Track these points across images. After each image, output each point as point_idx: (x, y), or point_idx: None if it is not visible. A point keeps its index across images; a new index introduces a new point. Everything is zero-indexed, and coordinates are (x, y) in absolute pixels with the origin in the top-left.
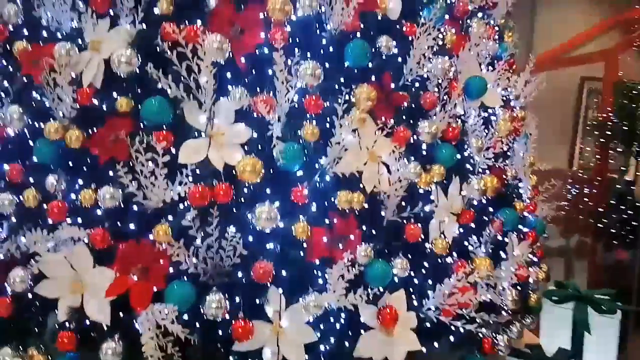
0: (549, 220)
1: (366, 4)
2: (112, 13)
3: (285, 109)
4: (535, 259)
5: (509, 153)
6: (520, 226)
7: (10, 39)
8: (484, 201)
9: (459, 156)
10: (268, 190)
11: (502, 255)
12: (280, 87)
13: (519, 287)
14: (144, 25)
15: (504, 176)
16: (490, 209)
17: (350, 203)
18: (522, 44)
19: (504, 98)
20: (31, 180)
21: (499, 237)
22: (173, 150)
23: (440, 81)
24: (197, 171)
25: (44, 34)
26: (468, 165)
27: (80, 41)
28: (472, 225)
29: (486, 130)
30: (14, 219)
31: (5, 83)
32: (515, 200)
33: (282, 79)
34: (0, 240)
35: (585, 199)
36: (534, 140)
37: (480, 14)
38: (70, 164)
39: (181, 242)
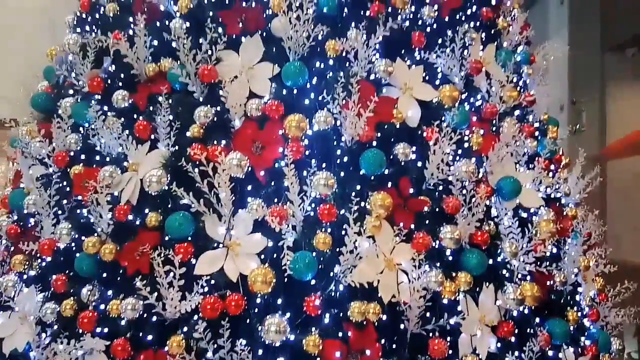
0: (620, 329)
1: (381, 115)
2: (152, 137)
3: (300, 218)
4: None
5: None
6: (582, 338)
7: (71, 163)
8: (526, 312)
9: (491, 262)
10: (280, 301)
11: None
12: (293, 198)
13: None
14: (177, 147)
15: (551, 282)
16: (537, 320)
17: (364, 314)
18: (594, 131)
19: (551, 196)
20: (71, 290)
21: (549, 353)
22: (193, 261)
23: (465, 184)
24: (212, 282)
25: (97, 158)
26: (505, 271)
27: (125, 163)
28: (512, 339)
29: (524, 233)
30: (55, 327)
31: (63, 202)
32: (569, 309)
33: (294, 191)
34: (42, 346)
35: None
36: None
37: (517, 112)
38: (104, 275)
39: (192, 354)
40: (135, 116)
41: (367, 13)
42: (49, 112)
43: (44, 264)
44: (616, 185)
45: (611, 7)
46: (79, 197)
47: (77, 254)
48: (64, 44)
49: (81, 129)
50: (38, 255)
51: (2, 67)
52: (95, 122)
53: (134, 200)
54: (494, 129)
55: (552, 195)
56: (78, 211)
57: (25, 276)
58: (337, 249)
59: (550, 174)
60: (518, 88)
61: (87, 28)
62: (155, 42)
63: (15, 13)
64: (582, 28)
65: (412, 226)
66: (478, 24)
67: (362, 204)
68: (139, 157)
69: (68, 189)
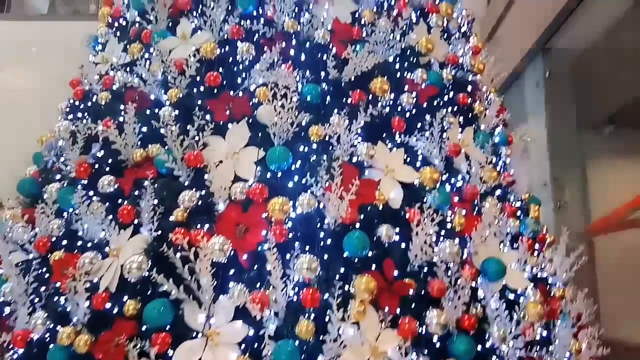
0: None
1: (364, 196)
2: (136, 222)
3: (282, 304)
4: None
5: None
6: None
7: (52, 249)
8: None
9: (479, 348)
10: None
11: None
12: (276, 282)
13: None
14: (160, 232)
15: None
16: None
17: None
18: (578, 207)
19: (537, 277)
20: None
21: None
22: (170, 352)
23: (450, 266)
24: None
25: (79, 243)
26: (495, 358)
27: (107, 249)
28: None
29: (511, 316)
30: None
31: (41, 289)
32: None
33: (276, 275)
34: None
35: None
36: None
37: (498, 192)
38: None
39: None
40: (120, 201)
41: (349, 100)
42: (35, 197)
43: (15, 356)
44: (606, 262)
45: (585, 88)
46: (58, 284)
47: (51, 345)
48: (55, 130)
49: (65, 214)
50: (11, 347)
51: None
52: (79, 207)
53: (112, 288)
54: (476, 209)
55: (539, 275)
56: (55, 299)
57: None
58: (321, 337)
59: (535, 253)
60: (498, 168)
61: (79, 115)
62: (144, 129)
63: (7, 93)
64: (558, 108)
65: (398, 310)
66: (455, 108)
67: (346, 287)
68: (120, 242)
69: (47, 275)
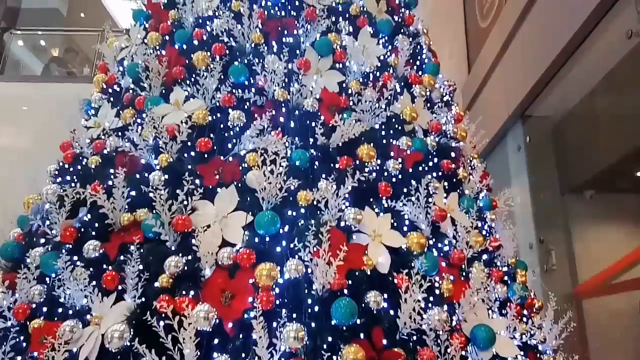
0: None
1: (351, 262)
2: (120, 288)
3: None
4: None
5: None
6: None
7: (31, 316)
8: None
9: None
10: None
11: None
12: (262, 353)
13: None
14: (144, 299)
15: None
16: None
17: None
18: (565, 270)
19: (527, 344)
20: None
21: None
22: None
23: (439, 333)
24: None
25: (60, 310)
26: None
27: (89, 316)
28: None
29: None
30: None
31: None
32: None
33: (262, 345)
34: None
35: None
36: None
37: (485, 256)
38: None
39: None
40: (105, 266)
41: (337, 166)
42: (17, 262)
43: None
44: (596, 323)
45: (565, 153)
46: (35, 354)
47: None
48: (42, 193)
49: (47, 279)
50: None
51: None
52: (62, 272)
53: (92, 358)
54: (463, 274)
55: (528, 343)
56: None
57: None
58: None
59: (524, 319)
60: (483, 233)
61: (68, 178)
62: (133, 193)
63: None
64: (540, 172)
65: None
66: (440, 174)
67: (334, 358)
68: (103, 309)
69: (25, 344)
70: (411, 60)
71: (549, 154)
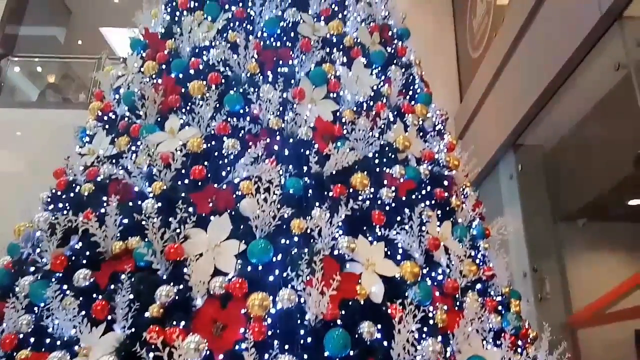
0: None
1: (345, 291)
2: (110, 318)
3: None
4: None
5: None
6: None
7: (18, 347)
8: None
9: None
10: None
11: None
12: None
13: None
14: (134, 329)
15: None
16: None
17: None
18: (559, 299)
19: None
20: None
21: None
22: None
23: None
24: None
25: (47, 341)
26: None
27: (77, 347)
28: None
29: None
30: None
31: None
32: None
33: None
34: None
35: None
36: None
37: (478, 285)
38: None
39: None
40: (95, 295)
41: (330, 194)
42: (6, 290)
43: None
44: (590, 356)
45: (557, 181)
46: None
47: None
48: (34, 221)
49: (36, 309)
50: None
51: None
52: (51, 302)
53: None
54: (457, 303)
55: None
56: None
57: None
58: None
59: (519, 350)
60: (477, 261)
61: (60, 205)
62: (126, 221)
63: None
64: (532, 200)
65: None
66: (433, 202)
67: None
68: (92, 340)
69: None
70: (404, 90)
71: (541, 182)
